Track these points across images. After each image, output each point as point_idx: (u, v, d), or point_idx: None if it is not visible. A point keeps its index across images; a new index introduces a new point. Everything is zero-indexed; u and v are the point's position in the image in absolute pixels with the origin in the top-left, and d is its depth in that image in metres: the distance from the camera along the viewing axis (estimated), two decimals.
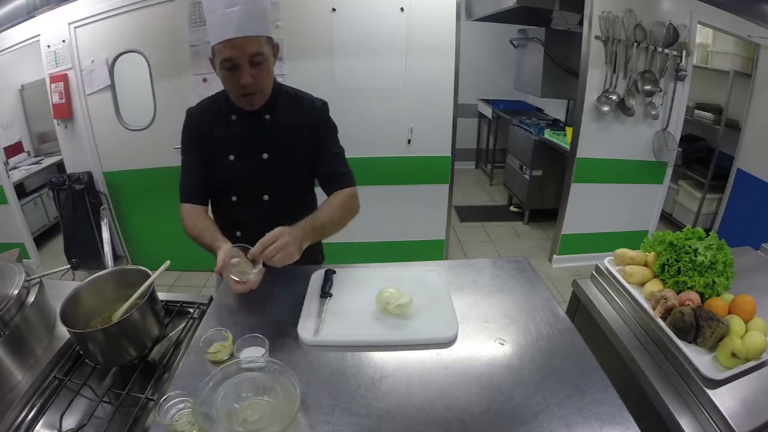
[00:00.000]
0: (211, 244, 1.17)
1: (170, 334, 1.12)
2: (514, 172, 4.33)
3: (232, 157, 1.25)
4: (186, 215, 1.28)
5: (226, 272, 1.05)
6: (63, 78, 2.93)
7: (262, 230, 1.24)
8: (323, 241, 1.53)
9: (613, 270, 1.28)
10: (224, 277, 1.07)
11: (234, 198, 1.31)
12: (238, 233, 1.31)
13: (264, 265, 1.06)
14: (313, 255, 1.47)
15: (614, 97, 2.90)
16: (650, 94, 2.90)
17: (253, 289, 1.07)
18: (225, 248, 1.09)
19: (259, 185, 1.29)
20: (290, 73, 2.73)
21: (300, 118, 1.27)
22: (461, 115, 3.22)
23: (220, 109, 1.27)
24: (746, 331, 0.99)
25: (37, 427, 0.88)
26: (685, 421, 0.89)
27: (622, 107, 2.94)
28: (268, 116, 1.25)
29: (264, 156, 1.25)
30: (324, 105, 1.32)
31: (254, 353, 0.92)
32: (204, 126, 1.27)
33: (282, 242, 1.04)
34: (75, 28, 2.84)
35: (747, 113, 2.99)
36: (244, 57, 1.09)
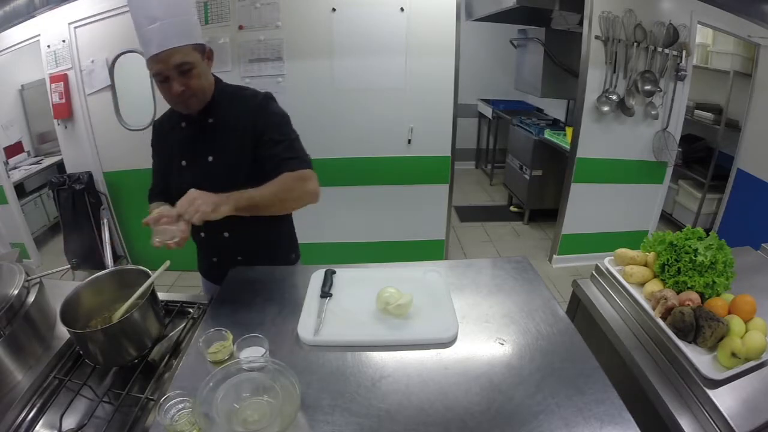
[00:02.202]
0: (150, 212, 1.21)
1: (170, 334, 1.12)
2: (514, 172, 4.33)
3: (183, 163, 1.30)
4: None
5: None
6: (63, 78, 2.93)
7: (221, 229, 1.32)
8: (300, 241, 1.55)
9: (613, 270, 1.28)
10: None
11: None
12: (202, 234, 1.37)
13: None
14: (285, 253, 1.48)
15: (614, 97, 2.90)
16: (650, 94, 2.90)
17: (179, 247, 1.06)
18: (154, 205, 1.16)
19: (208, 187, 1.24)
20: (290, 73, 2.73)
21: (241, 115, 1.26)
22: (461, 115, 3.22)
23: (174, 117, 1.33)
24: (746, 331, 0.99)
25: (37, 427, 0.88)
26: (685, 421, 0.89)
27: (622, 107, 2.94)
28: (211, 120, 1.27)
29: (209, 159, 1.27)
30: (265, 97, 1.30)
31: (254, 353, 0.92)
32: (163, 135, 1.37)
33: (190, 198, 1.05)
34: (75, 28, 2.84)
35: (747, 113, 2.99)
36: (171, 69, 1.12)
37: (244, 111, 1.27)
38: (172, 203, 1.35)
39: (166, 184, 1.36)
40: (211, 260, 1.45)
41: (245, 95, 1.30)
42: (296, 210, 1.28)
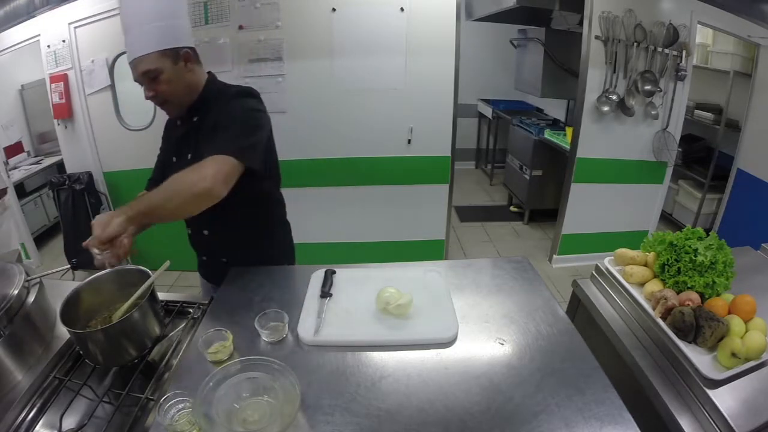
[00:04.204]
0: None
1: (170, 334, 1.12)
2: (514, 172, 4.33)
3: (174, 159, 1.33)
4: None
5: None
6: (63, 78, 2.93)
7: (201, 227, 1.34)
8: (300, 241, 1.54)
9: (613, 270, 1.28)
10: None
11: None
12: (189, 231, 1.40)
13: None
14: (277, 262, 1.43)
15: (614, 97, 2.90)
16: (650, 94, 2.90)
17: (111, 265, 1.05)
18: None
19: None
20: (290, 73, 2.73)
21: (217, 112, 1.23)
22: (461, 115, 3.22)
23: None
24: (746, 331, 0.99)
25: (37, 427, 0.88)
26: (685, 421, 0.89)
27: (622, 107, 2.94)
28: (195, 118, 1.27)
29: (188, 156, 1.27)
30: (239, 92, 1.25)
31: None
32: (167, 130, 1.41)
33: (99, 222, 1.02)
34: (75, 28, 2.84)
35: (747, 113, 2.99)
36: (139, 76, 1.17)
37: (220, 108, 1.24)
38: None
39: (162, 177, 1.33)
40: (201, 258, 1.47)
41: (226, 92, 1.26)
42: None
